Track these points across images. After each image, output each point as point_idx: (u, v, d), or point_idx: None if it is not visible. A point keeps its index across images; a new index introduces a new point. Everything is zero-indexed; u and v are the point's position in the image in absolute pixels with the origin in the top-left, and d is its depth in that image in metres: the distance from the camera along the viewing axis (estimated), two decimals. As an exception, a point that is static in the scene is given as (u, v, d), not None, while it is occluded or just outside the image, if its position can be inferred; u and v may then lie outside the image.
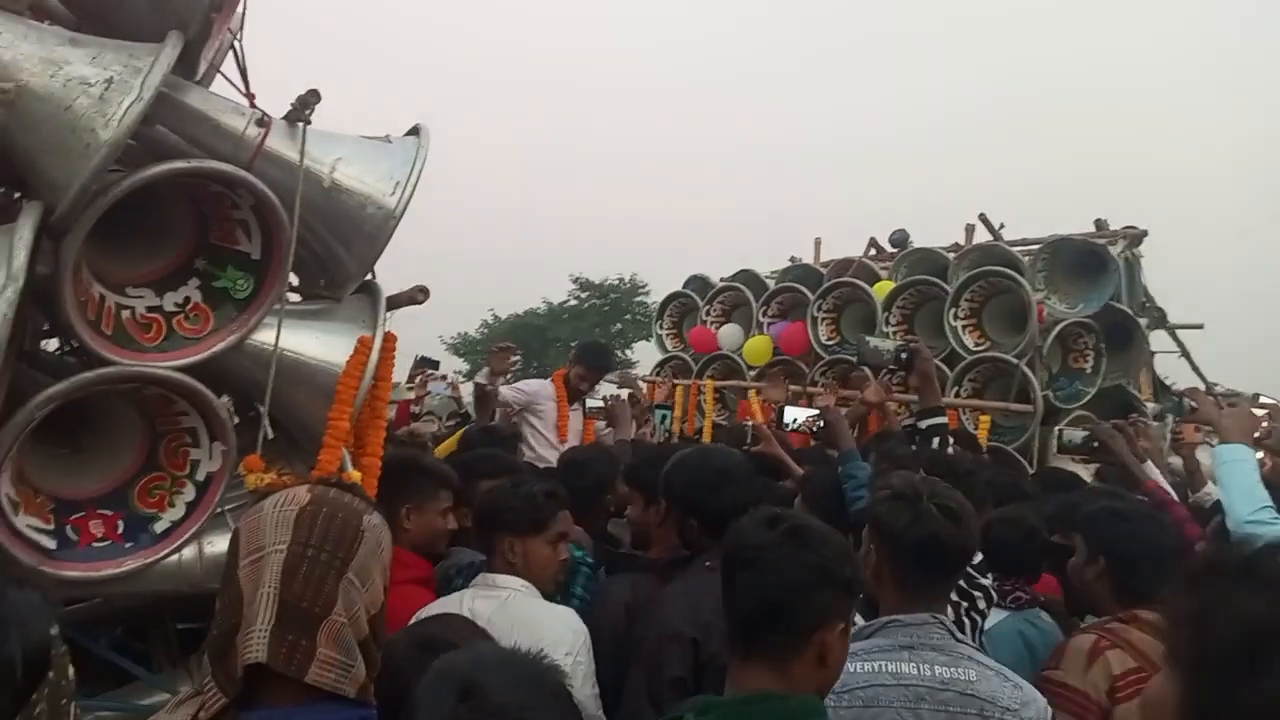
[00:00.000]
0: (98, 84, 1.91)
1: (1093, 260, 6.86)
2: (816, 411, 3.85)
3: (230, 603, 1.32)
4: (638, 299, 31.80)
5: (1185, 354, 8.60)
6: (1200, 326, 8.61)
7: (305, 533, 1.35)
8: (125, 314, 2.27)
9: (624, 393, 5.37)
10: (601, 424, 5.23)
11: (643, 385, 7.16)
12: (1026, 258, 7.01)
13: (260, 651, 1.28)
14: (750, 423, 4.35)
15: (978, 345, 6.73)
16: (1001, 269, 6.70)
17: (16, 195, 2.17)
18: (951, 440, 3.66)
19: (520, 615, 2.39)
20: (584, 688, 2.38)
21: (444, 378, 7.49)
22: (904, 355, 3.72)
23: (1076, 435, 4.78)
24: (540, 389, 5.53)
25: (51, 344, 2.73)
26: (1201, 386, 8.99)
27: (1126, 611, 2.24)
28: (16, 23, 1.96)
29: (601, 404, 5.15)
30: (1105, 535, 2.39)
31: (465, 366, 31.33)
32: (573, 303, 32.77)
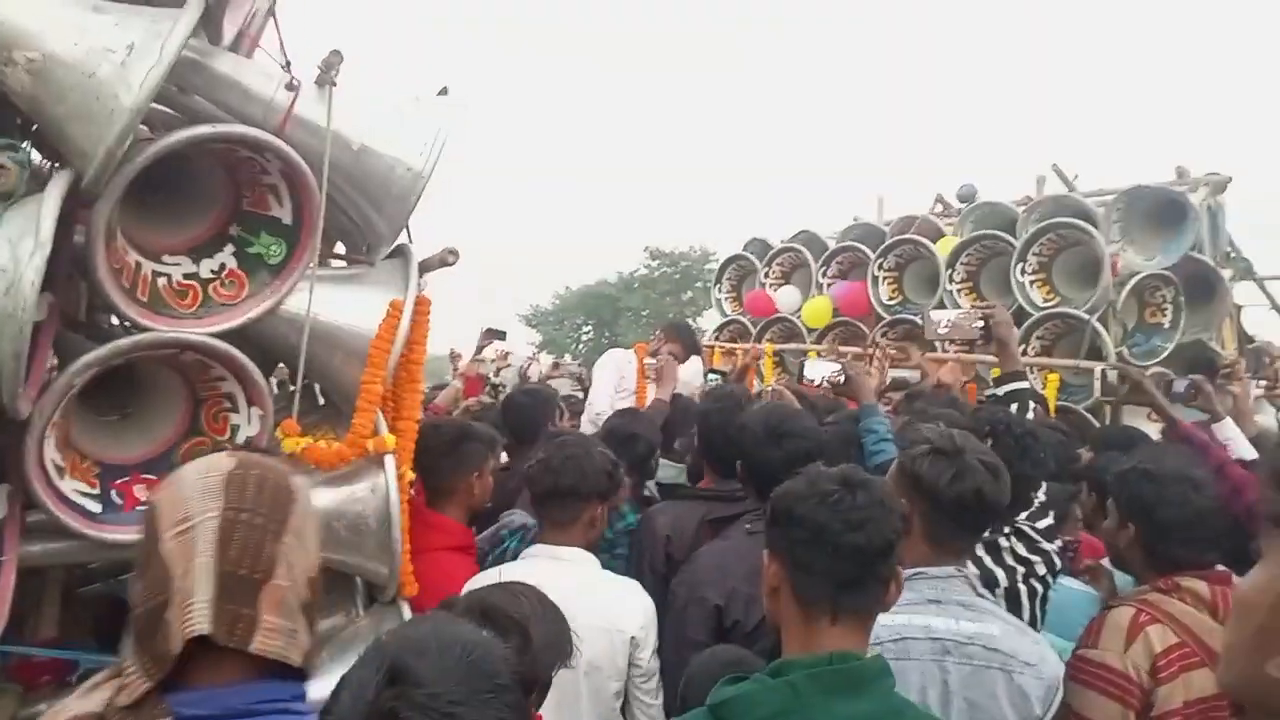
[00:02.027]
0: (120, 50, 1.92)
1: (1172, 209, 6.51)
2: (838, 366, 3.73)
3: (155, 580, 1.26)
4: (708, 267, 31.67)
5: (1276, 306, 8.16)
6: (1291, 277, 8.16)
7: (236, 497, 1.30)
8: (161, 281, 2.30)
9: (665, 352, 5.28)
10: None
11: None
12: (1100, 209, 6.70)
13: (204, 623, 1.23)
14: (769, 388, 4.26)
15: (1047, 300, 6.47)
16: (1072, 220, 6.41)
17: (53, 165, 2.19)
18: (1033, 405, 3.53)
19: (590, 590, 2.38)
20: (651, 660, 2.38)
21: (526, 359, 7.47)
22: (980, 325, 3.60)
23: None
24: (620, 367, 5.42)
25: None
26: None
27: (1167, 580, 2.08)
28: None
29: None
30: (1133, 498, 2.20)
31: (538, 338, 31.69)
32: (643, 272, 32.81)
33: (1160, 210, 6.60)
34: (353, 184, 2.47)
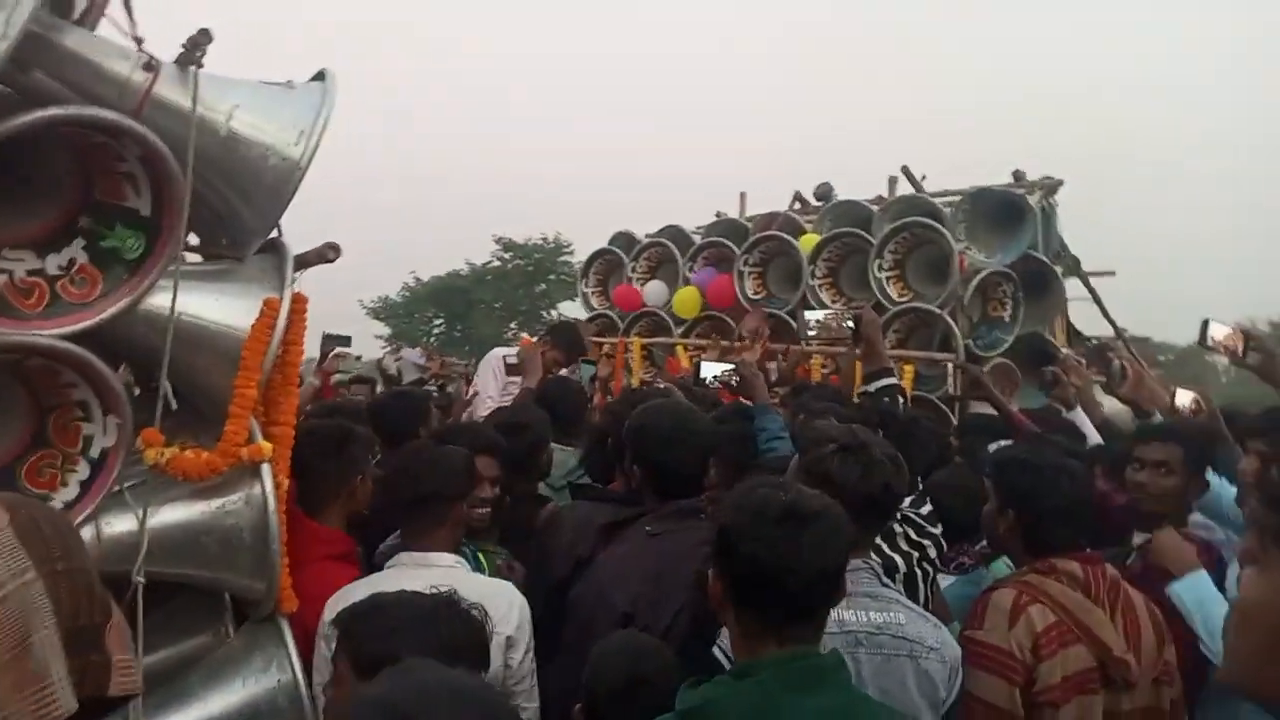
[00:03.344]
0: (-49, 21, 1.70)
1: (1011, 210, 6.97)
2: (732, 366, 3.82)
3: None
4: (562, 259, 31.52)
5: (1097, 300, 8.86)
6: (1112, 274, 8.88)
7: (42, 548, 1.13)
8: (2, 279, 2.08)
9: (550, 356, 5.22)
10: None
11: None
12: (948, 209, 7.09)
13: (68, 701, 1.09)
14: (661, 384, 4.31)
15: (901, 296, 6.80)
16: (924, 220, 6.76)
17: None
18: (903, 399, 3.71)
19: (465, 594, 2.30)
20: (525, 662, 2.35)
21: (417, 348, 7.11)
22: (850, 324, 3.75)
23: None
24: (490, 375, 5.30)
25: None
26: (1111, 332, 9.33)
27: (1044, 562, 2.20)
28: None
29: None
30: (1013, 486, 2.30)
31: (386, 330, 30.69)
32: (496, 264, 32.29)
33: (1001, 211, 7.05)
34: (220, 173, 2.29)
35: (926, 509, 2.61)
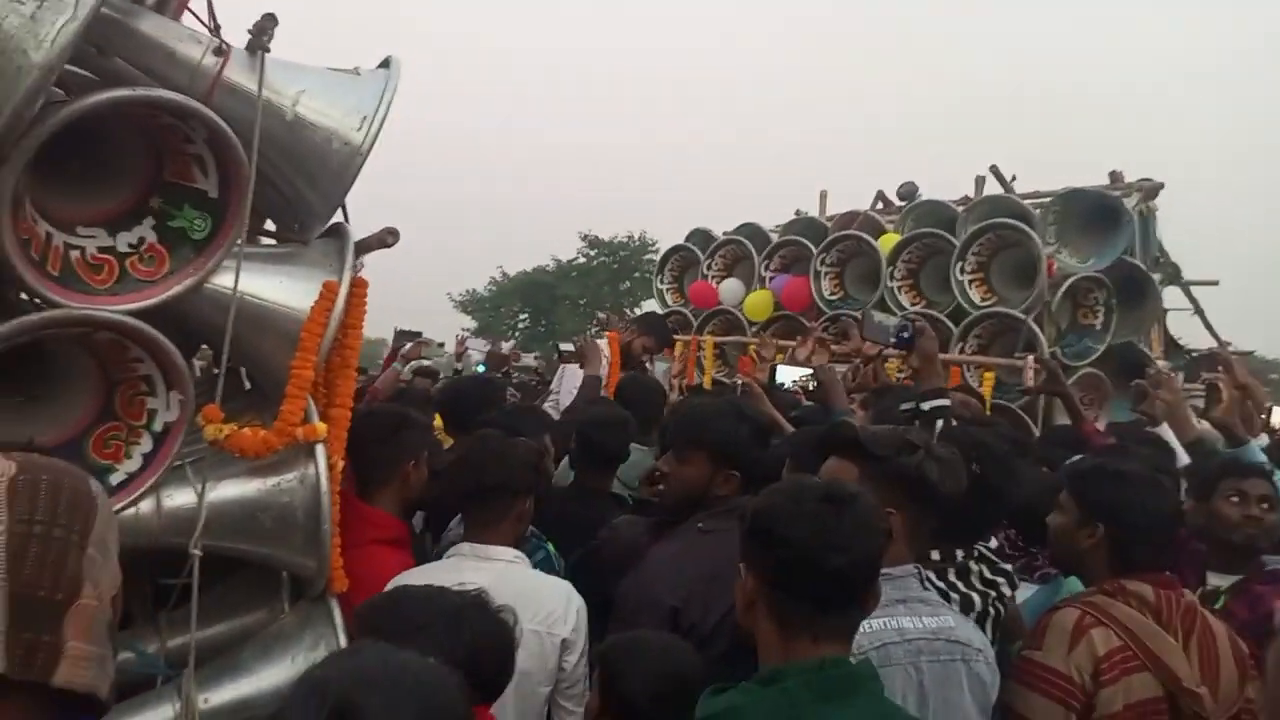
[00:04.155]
0: (29, 2, 1.76)
1: (1106, 213, 6.67)
2: (810, 371, 3.72)
3: None
4: (646, 257, 31.65)
5: (1199, 311, 8.42)
6: (1215, 283, 8.43)
7: (28, 506, 1.10)
8: (74, 254, 2.14)
9: (639, 344, 5.22)
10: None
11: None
12: (1037, 210, 6.83)
13: None
14: (740, 380, 4.23)
15: (984, 300, 6.58)
16: (1011, 221, 6.52)
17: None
18: (954, 422, 3.55)
19: (520, 589, 2.29)
20: (580, 665, 2.32)
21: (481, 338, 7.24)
22: (905, 335, 3.59)
23: None
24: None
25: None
26: (1214, 344, 8.86)
27: (1113, 583, 2.07)
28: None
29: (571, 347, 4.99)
30: (1105, 500, 2.17)
31: (473, 324, 31.26)
32: (581, 260, 32.59)
33: (1095, 214, 6.76)
34: (285, 157, 2.33)
35: (993, 544, 2.52)
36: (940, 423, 3.29)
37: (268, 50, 2.23)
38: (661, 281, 9.03)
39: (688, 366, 7.48)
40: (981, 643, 1.94)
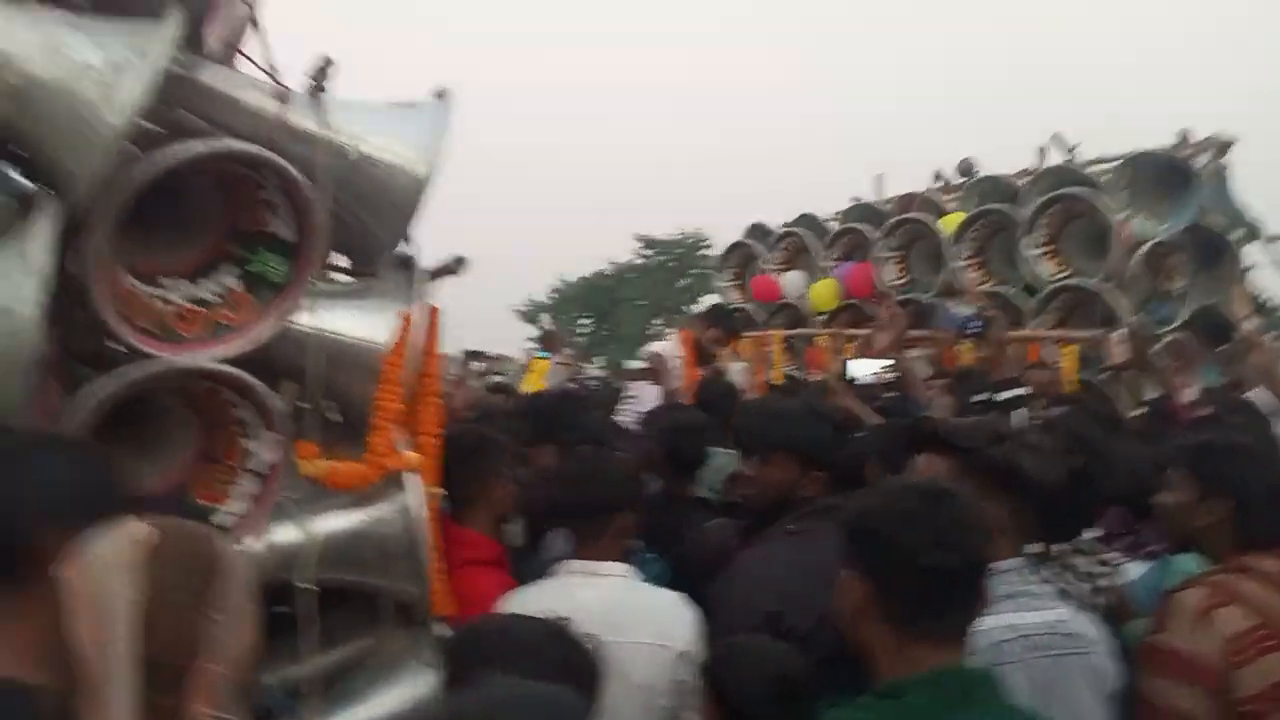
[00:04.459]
0: (101, 67, 1.82)
1: (1176, 174, 6.45)
2: (887, 363, 3.66)
3: (64, 669, 1.13)
4: (700, 252, 31.66)
5: (1283, 266, 8.07)
6: (1299, 236, 8.06)
7: (161, 573, 1.16)
8: (163, 306, 2.21)
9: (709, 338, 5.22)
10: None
11: None
12: (1105, 177, 6.62)
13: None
14: (820, 376, 4.18)
15: (1058, 273, 6.40)
16: (1079, 190, 6.34)
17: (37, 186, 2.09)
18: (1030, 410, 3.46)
19: (634, 604, 2.30)
20: (697, 677, 2.30)
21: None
22: (976, 325, 3.55)
23: None
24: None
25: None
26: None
27: (1236, 560, 1.98)
28: (18, 11, 1.89)
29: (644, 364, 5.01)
30: (1222, 474, 2.08)
31: (536, 333, 31.57)
32: (638, 261, 32.78)
33: (1165, 176, 6.53)
34: (351, 194, 2.37)
35: (1092, 534, 2.45)
36: (1021, 411, 3.23)
37: (325, 91, 2.28)
38: (723, 279, 8.99)
39: (759, 364, 7.42)
40: (1097, 634, 1.89)
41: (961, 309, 3.82)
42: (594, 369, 9.72)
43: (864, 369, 3.76)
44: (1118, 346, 4.61)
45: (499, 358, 6.53)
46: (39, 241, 1.75)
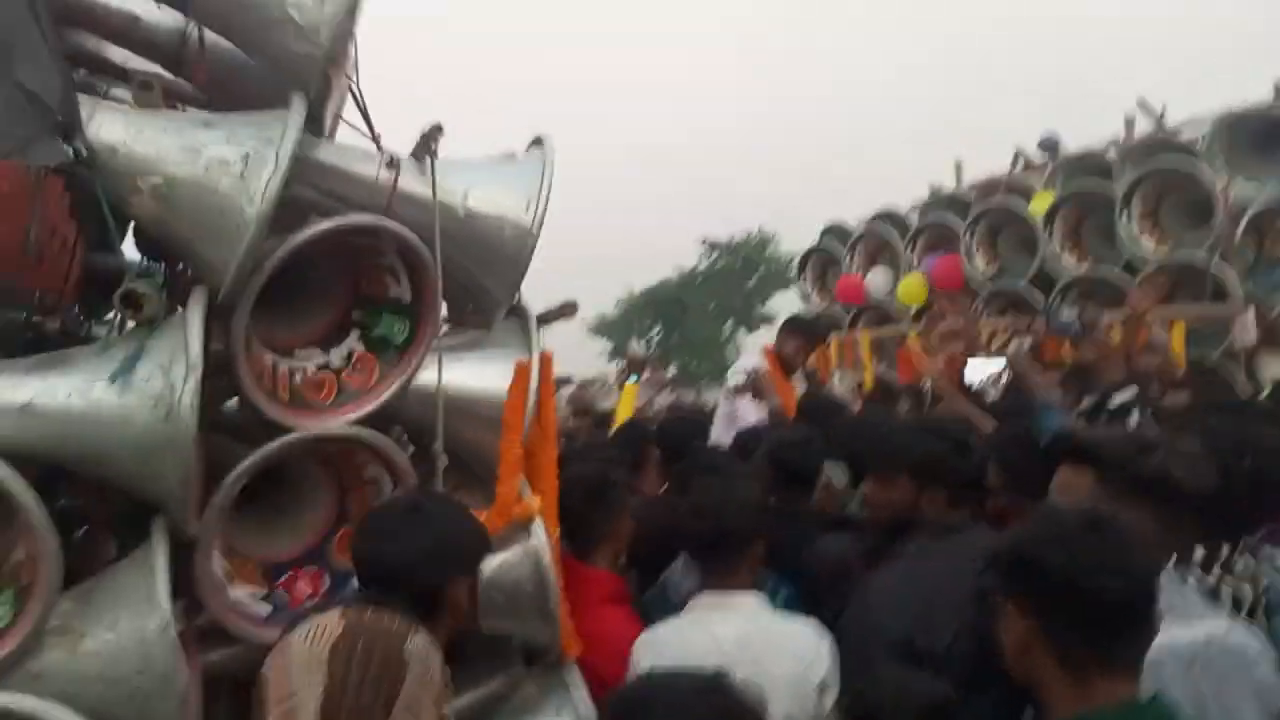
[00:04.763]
0: (236, 162, 1.94)
1: (1276, 132, 6.14)
2: (1001, 363, 3.59)
3: None
4: (768, 252, 31.41)
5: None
6: None
7: (343, 669, 1.23)
8: (297, 377, 2.32)
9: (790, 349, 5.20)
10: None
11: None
12: (1199, 141, 6.35)
13: None
14: (927, 382, 4.12)
15: (1159, 247, 6.16)
16: (1174, 159, 6.09)
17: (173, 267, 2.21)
18: (1148, 410, 3.35)
19: (773, 637, 2.31)
20: (834, 708, 2.29)
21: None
22: (1078, 329, 3.47)
23: None
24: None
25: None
26: None
27: None
28: (155, 116, 2.02)
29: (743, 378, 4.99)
30: None
31: (608, 346, 31.75)
32: (704, 265, 32.65)
33: (1264, 134, 6.22)
34: (462, 250, 2.45)
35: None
36: (1135, 413, 3.13)
37: (435, 156, 2.36)
38: (805, 286, 8.91)
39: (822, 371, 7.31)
40: (1261, 643, 1.81)
41: (1071, 313, 3.72)
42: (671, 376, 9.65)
43: (981, 371, 3.69)
44: (1248, 327, 4.41)
45: (587, 382, 6.59)
46: (194, 330, 1.86)
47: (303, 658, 1.26)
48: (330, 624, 1.28)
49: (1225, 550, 2.07)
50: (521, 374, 2.45)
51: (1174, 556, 1.90)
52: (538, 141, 2.65)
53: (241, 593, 2.19)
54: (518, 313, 2.64)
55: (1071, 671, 1.45)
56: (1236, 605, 2.03)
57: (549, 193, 2.45)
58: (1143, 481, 1.81)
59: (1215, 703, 1.73)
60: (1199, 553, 2.05)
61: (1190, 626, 1.80)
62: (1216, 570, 2.02)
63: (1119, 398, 3.22)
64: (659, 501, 3.38)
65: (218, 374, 2.29)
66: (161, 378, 1.84)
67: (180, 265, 2.24)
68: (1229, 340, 5.56)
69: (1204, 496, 1.85)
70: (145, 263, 2.09)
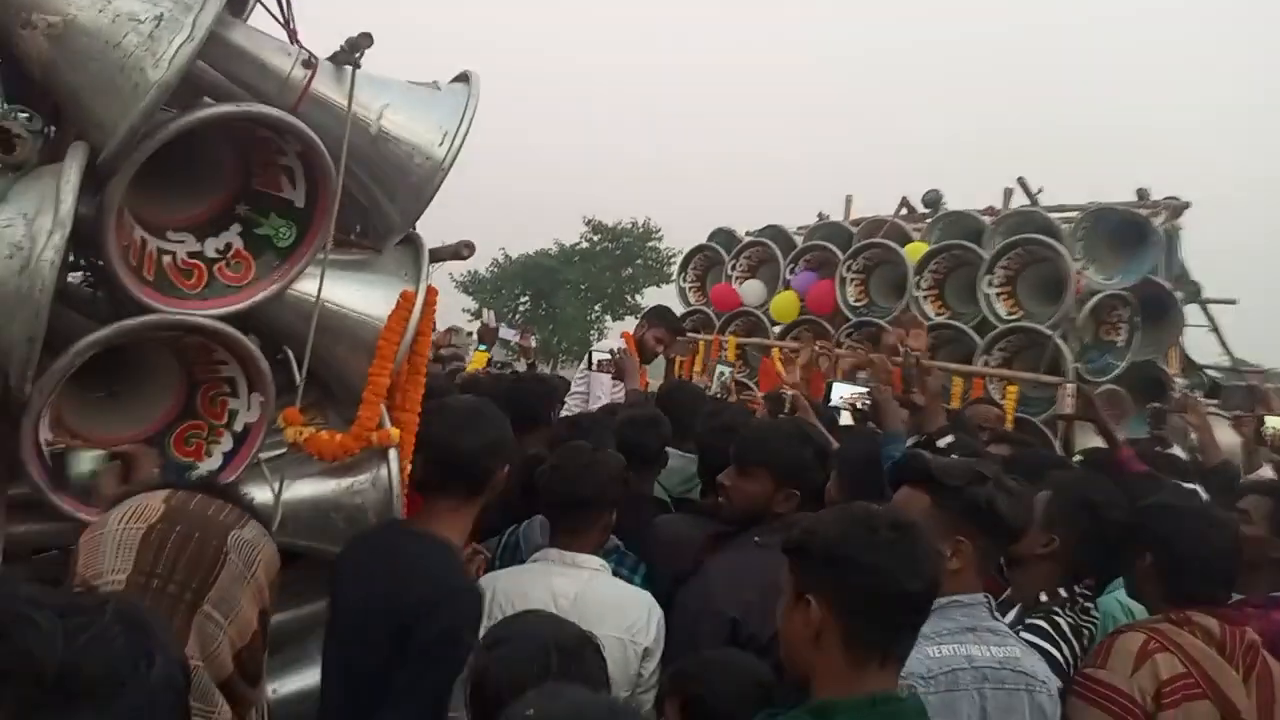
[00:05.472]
0: (148, 20, 1.82)
1: (1134, 231, 6.69)
2: (865, 390, 3.77)
3: None
4: (650, 244, 31.56)
5: (1215, 329, 8.47)
6: (1234, 302, 8.48)
7: (150, 559, 1.14)
8: (166, 259, 2.20)
9: (651, 337, 5.25)
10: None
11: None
12: (1065, 226, 6.86)
13: None
14: (789, 392, 4.29)
15: (1011, 314, 6.62)
16: (1041, 237, 6.55)
17: (51, 129, 2.06)
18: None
19: (606, 599, 2.39)
20: (655, 674, 2.38)
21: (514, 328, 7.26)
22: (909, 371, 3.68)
23: None
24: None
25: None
26: (1228, 362, 8.91)
27: (1179, 613, 2.15)
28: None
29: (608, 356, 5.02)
30: (1152, 530, 2.28)
31: (473, 305, 31.18)
32: (584, 245, 32.46)
33: (1123, 231, 6.77)
34: (368, 170, 2.39)
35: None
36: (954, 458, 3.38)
37: (358, 66, 2.28)
38: (684, 280, 9.06)
39: (708, 368, 7.51)
40: (1045, 675, 1.98)
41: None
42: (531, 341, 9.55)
43: (844, 392, 3.87)
44: (1067, 398, 4.84)
45: (451, 330, 6.48)
46: (68, 185, 1.74)
47: (116, 537, 1.17)
48: (151, 505, 1.18)
49: (1063, 594, 2.30)
50: (405, 304, 2.42)
51: (981, 582, 2.06)
52: (463, 77, 2.60)
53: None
54: (412, 243, 2.59)
55: (853, 662, 1.54)
56: (1076, 634, 2.25)
57: (468, 130, 2.41)
58: (971, 508, 1.96)
59: (998, 716, 1.89)
60: (1043, 596, 2.28)
61: (990, 647, 1.95)
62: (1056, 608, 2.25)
63: (941, 441, 3.47)
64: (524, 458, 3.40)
65: (83, 247, 2.16)
66: (24, 226, 1.72)
67: (54, 115, 2.09)
68: (1054, 409, 6.05)
69: (1016, 531, 2.02)
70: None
